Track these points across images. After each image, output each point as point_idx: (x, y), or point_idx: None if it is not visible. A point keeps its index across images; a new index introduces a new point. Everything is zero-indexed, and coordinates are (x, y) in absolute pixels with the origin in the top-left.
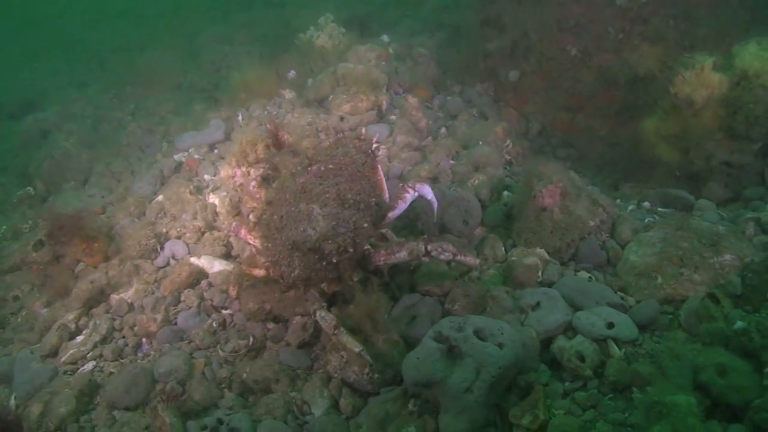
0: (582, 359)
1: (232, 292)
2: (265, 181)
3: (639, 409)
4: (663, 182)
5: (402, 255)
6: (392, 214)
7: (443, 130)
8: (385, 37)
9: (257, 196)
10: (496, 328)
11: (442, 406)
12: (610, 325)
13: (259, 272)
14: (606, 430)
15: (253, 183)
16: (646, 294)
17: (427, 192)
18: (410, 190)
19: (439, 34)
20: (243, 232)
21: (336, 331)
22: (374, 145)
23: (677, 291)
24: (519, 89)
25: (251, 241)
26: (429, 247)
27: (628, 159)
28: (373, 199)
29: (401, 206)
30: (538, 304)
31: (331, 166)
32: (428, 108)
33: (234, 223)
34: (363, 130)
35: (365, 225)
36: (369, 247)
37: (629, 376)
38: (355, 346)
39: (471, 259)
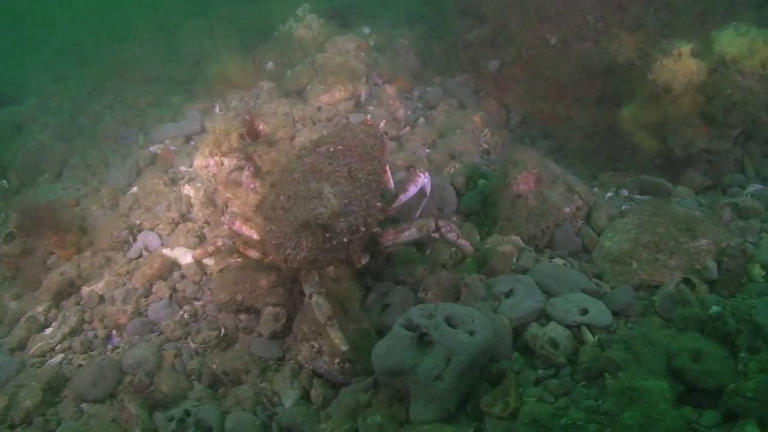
0: (555, 346)
1: (214, 266)
2: (258, 171)
3: (611, 396)
4: (643, 170)
5: (411, 233)
6: (403, 197)
7: (422, 120)
8: (365, 29)
9: (251, 186)
10: (467, 316)
11: (412, 395)
12: (584, 312)
13: (254, 254)
14: (578, 417)
15: (247, 173)
16: (621, 280)
17: (428, 183)
18: (421, 175)
19: (420, 25)
20: (238, 224)
21: (329, 322)
22: (381, 130)
23: (652, 276)
24: (499, 79)
25: (247, 232)
26: (440, 223)
27: (608, 148)
28: (384, 180)
29: (412, 189)
30: (511, 291)
31: (340, 147)
32: (408, 99)
33: (228, 216)
34: (347, 119)
35: (378, 204)
36: (377, 228)
37: (602, 363)
38: (342, 345)
39: (468, 247)
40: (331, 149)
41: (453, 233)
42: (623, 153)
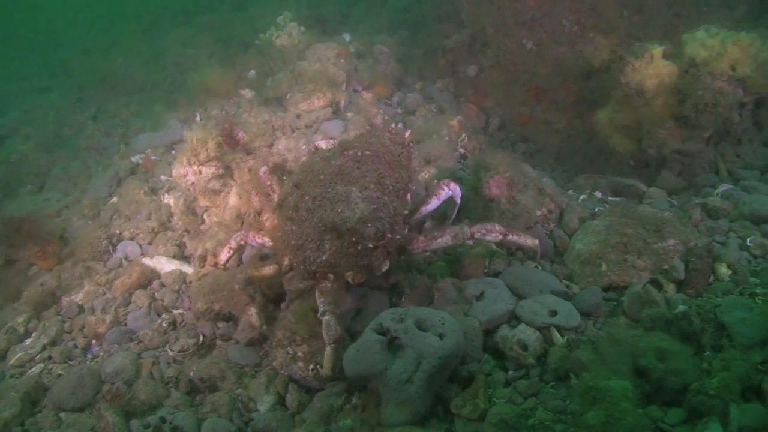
0: (524, 348)
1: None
2: (276, 169)
3: (576, 396)
4: (619, 172)
5: (445, 240)
6: (425, 209)
7: (400, 125)
8: (346, 36)
9: (267, 183)
10: (437, 319)
11: (383, 398)
12: (553, 313)
13: (268, 270)
14: (546, 417)
15: (264, 169)
16: (590, 281)
17: (458, 193)
18: (445, 188)
19: (402, 31)
20: (251, 235)
21: (332, 345)
22: (407, 138)
23: (621, 277)
24: (478, 84)
25: (259, 241)
26: (473, 229)
27: (585, 150)
28: (411, 189)
29: (434, 202)
30: (482, 294)
31: (368, 152)
32: (387, 104)
33: (242, 232)
34: (322, 126)
35: (405, 212)
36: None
37: (570, 364)
38: (329, 371)
39: (528, 240)
40: (359, 154)
41: (495, 233)
42: (600, 155)
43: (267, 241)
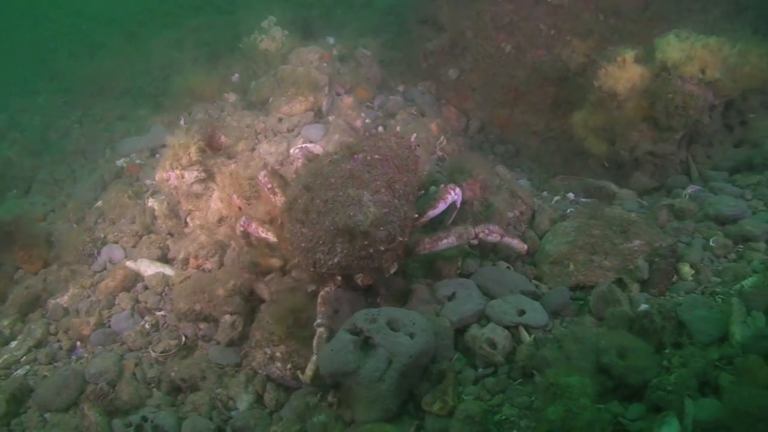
0: (493, 346)
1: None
2: (275, 172)
3: (539, 392)
4: (594, 173)
5: (450, 240)
6: (432, 213)
7: (380, 128)
8: (330, 39)
9: (269, 186)
10: (408, 319)
11: (356, 396)
12: (521, 313)
13: (275, 261)
14: (512, 413)
15: (264, 173)
16: (558, 281)
17: (460, 198)
18: (452, 192)
19: (386, 34)
20: (254, 225)
21: (319, 353)
22: (414, 143)
23: (588, 277)
24: (459, 87)
25: (263, 235)
26: (477, 230)
27: (562, 152)
28: (421, 193)
29: (441, 206)
30: (453, 294)
31: (377, 156)
32: (369, 107)
33: (244, 218)
34: (303, 130)
35: (415, 215)
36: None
37: (537, 361)
38: (309, 379)
39: (518, 243)
40: (369, 158)
41: (495, 234)
42: (576, 156)
43: (270, 236)
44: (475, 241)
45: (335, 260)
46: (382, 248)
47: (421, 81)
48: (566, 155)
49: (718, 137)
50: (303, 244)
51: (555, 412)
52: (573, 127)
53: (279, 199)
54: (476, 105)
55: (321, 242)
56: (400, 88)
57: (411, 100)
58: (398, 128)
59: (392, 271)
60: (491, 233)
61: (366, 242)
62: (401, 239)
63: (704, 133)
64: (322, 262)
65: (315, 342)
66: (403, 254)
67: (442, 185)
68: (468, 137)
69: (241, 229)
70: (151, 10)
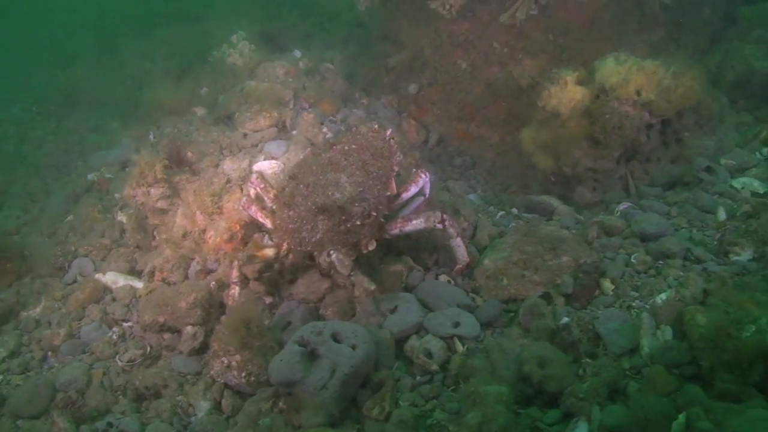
0: (430, 356)
1: (234, 274)
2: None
3: (462, 399)
4: (543, 187)
5: (418, 222)
6: (405, 195)
7: None
8: (296, 53)
9: (261, 186)
10: (351, 332)
11: (303, 402)
12: (456, 324)
13: (269, 251)
14: (442, 417)
15: (255, 175)
16: (493, 294)
17: (428, 184)
18: (423, 175)
19: (352, 47)
20: (254, 209)
21: (352, 272)
22: (389, 135)
23: (519, 291)
24: (419, 101)
25: (261, 219)
26: (444, 216)
27: (515, 165)
28: (393, 174)
29: (413, 189)
30: (395, 308)
31: (354, 146)
32: (332, 121)
33: (244, 199)
34: (265, 146)
35: (388, 194)
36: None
37: (467, 370)
38: (371, 284)
39: (463, 252)
40: (346, 148)
41: (453, 229)
42: (528, 170)
43: (267, 222)
44: (440, 226)
45: (318, 236)
46: (359, 223)
47: (383, 95)
48: (519, 168)
49: (656, 154)
50: (290, 226)
51: (474, 417)
52: (522, 142)
53: (270, 195)
54: (436, 119)
55: (305, 221)
56: (364, 101)
57: (374, 113)
58: (376, 125)
59: (370, 248)
60: (452, 227)
61: (344, 217)
62: (375, 215)
63: (642, 150)
64: (306, 240)
65: (338, 266)
66: (378, 232)
67: (414, 169)
68: (428, 149)
69: (243, 209)
70: (125, 16)
